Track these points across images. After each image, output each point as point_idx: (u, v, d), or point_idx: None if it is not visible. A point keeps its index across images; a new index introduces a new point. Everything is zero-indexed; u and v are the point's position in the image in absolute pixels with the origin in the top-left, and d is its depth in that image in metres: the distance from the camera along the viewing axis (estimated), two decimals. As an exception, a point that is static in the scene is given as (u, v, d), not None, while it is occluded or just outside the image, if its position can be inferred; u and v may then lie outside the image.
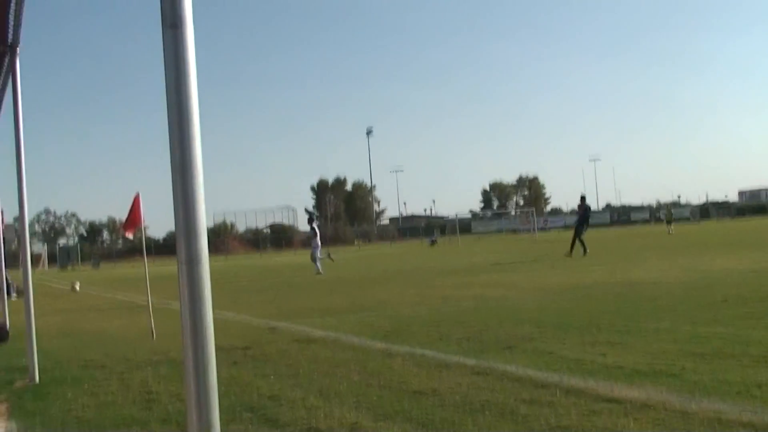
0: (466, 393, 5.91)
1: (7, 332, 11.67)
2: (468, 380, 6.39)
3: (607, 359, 6.88)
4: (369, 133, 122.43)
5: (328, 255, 34.42)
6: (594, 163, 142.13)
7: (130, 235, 11.88)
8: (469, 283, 17.60)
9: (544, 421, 4.98)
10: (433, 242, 70.87)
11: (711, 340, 7.54)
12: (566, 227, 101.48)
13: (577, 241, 26.99)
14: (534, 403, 5.44)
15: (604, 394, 5.56)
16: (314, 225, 29.37)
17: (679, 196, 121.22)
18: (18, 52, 7.84)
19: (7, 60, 8.05)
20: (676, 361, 6.56)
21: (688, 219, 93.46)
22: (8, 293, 18.68)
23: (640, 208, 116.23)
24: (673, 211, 65.49)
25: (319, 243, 28.83)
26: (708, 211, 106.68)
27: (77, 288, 27.00)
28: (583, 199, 28.65)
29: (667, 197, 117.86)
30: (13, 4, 6.64)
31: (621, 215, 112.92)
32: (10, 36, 7.49)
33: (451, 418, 5.20)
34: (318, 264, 27.92)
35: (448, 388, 6.14)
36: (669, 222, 56.12)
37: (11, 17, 6.98)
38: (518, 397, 5.64)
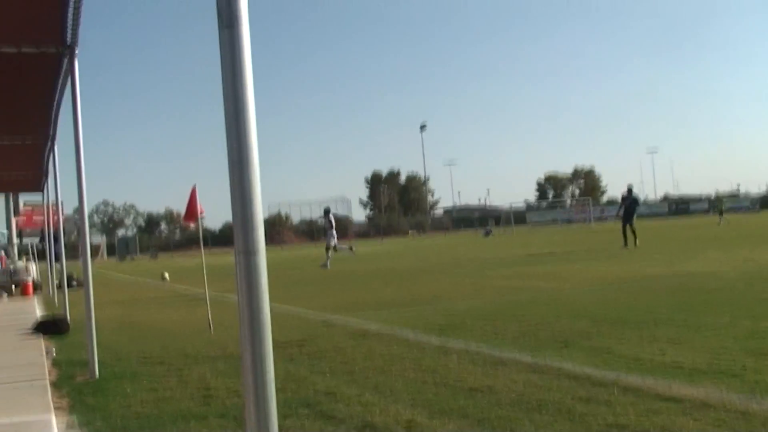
0: (522, 391, 5.88)
1: (67, 324, 11.90)
2: (524, 377, 6.35)
3: (666, 357, 6.79)
4: (423, 128, 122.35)
5: (350, 248, 34.29)
6: (651, 155, 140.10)
7: (192, 224, 12.04)
8: (524, 275, 17.50)
9: (602, 420, 4.94)
10: (488, 233, 70.54)
11: (772, 337, 7.41)
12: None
13: (628, 231, 26.79)
14: (591, 402, 5.39)
15: (663, 392, 5.49)
16: (330, 217, 29.77)
17: (738, 186, 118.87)
18: (77, 52, 7.97)
19: (66, 61, 8.19)
20: (737, 359, 6.46)
21: (747, 209, 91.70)
22: (69, 284, 19.04)
23: (698, 199, 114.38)
24: (725, 200, 64.38)
25: (335, 234, 29.06)
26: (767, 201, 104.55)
27: (167, 278, 27.10)
28: (629, 190, 28.12)
29: (725, 188, 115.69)
30: (71, 6, 6.75)
31: (679, 206, 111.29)
32: (68, 37, 7.62)
33: (507, 416, 5.18)
34: (329, 255, 28.24)
35: (503, 385, 6.11)
36: (721, 213, 54.91)
37: (69, 18, 7.09)
38: (575, 396, 5.60)
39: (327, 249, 28.77)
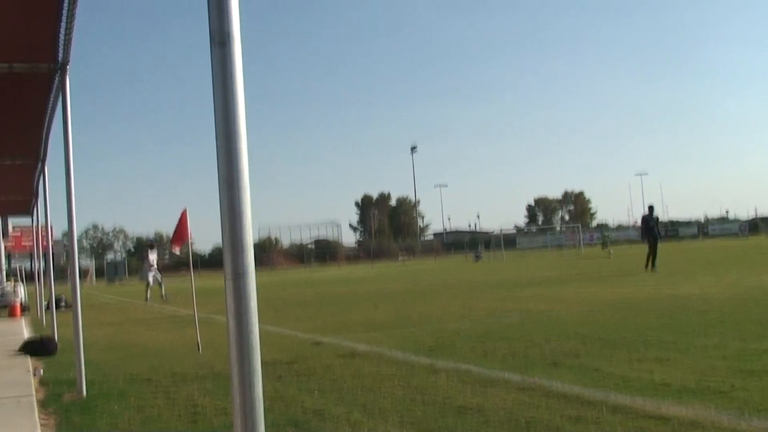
0: (511, 409, 5.87)
1: (55, 345, 11.83)
2: (513, 397, 6.34)
3: (655, 376, 6.79)
4: (413, 150, 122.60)
5: (163, 296, 28.44)
6: (641, 178, 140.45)
7: (177, 250, 12.01)
8: (514, 298, 17.49)
9: (591, 439, 4.93)
10: (478, 257, 70.47)
11: (761, 357, 7.42)
12: (612, 242, 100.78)
13: (651, 253, 26.06)
14: (580, 421, 5.38)
15: (652, 411, 5.48)
16: (150, 252, 29.67)
17: (727, 211, 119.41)
18: (68, 70, 7.98)
19: (57, 78, 8.19)
20: (726, 379, 6.46)
21: (736, 234, 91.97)
22: (57, 306, 18.94)
23: (687, 223, 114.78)
24: (607, 234, 58.01)
25: (154, 267, 28.56)
26: (757, 225, 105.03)
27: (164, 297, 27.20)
28: (651, 208, 27.53)
29: (715, 211, 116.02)
30: (63, 23, 6.76)
31: (669, 230, 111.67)
32: (60, 54, 7.63)
33: (496, 435, 5.17)
34: (149, 292, 27.95)
35: (492, 404, 6.10)
36: (605, 245, 50.26)
37: (62, 36, 7.11)
38: (564, 415, 5.58)
39: (148, 286, 28.35)
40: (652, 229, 26.83)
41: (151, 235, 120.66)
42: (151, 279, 28.37)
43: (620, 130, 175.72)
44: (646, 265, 26.06)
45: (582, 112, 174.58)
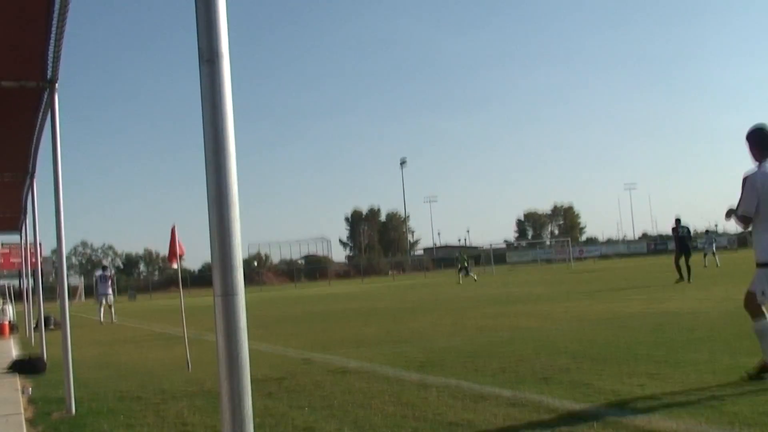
0: (502, 424, 5.86)
1: (44, 363, 11.78)
2: (504, 412, 6.33)
3: (645, 391, 6.80)
4: (403, 163, 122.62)
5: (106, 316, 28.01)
6: (629, 192, 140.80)
7: (175, 265, 12.00)
8: (504, 314, 17.48)
9: (581, 454, 4.92)
10: (467, 274, 70.26)
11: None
12: (602, 256, 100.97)
13: (685, 265, 25.42)
14: (571, 436, 5.38)
15: (642, 426, 5.49)
16: (104, 273, 29.33)
17: (716, 225, 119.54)
18: (57, 88, 7.98)
19: (46, 95, 8.19)
20: (716, 393, 6.47)
21: (725, 247, 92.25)
22: (46, 325, 18.86)
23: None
24: (466, 256, 52.40)
25: (109, 291, 28.25)
26: (746, 239, 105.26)
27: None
28: (678, 221, 26.92)
29: (703, 225, 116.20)
30: (52, 41, 6.76)
31: (658, 244, 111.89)
32: (49, 72, 7.63)
33: (487, 451, 5.16)
34: (101, 311, 27.73)
35: (483, 419, 6.09)
36: (461, 269, 47.58)
37: (50, 53, 7.11)
38: (555, 429, 5.58)
39: (101, 306, 28.09)
40: (683, 240, 26.41)
41: (141, 252, 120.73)
42: (105, 300, 28.26)
43: (609, 143, 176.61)
44: (682, 277, 25.39)
45: (571, 125, 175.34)
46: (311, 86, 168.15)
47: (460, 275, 47.49)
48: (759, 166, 7.14)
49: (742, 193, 7.10)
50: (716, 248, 26.87)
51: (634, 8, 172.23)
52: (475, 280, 45.70)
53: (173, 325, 20.25)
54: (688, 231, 27.21)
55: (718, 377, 7.25)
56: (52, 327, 22.29)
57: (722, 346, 9.44)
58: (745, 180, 7.13)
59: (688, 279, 25.24)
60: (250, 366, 2.66)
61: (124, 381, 9.98)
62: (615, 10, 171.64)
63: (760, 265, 7.32)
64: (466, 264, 48.62)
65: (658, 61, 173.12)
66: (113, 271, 30.20)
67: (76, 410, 7.76)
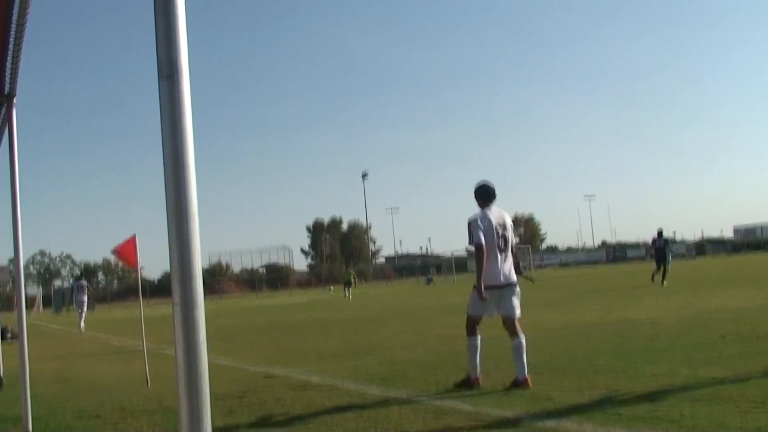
0: (463, 441, 5.88)
1: (0, 379, 11.59)
2: (465, 425, 6.35)
3: (605, 405, 6.85)
4: (365, 176, 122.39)
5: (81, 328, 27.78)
6: (589, 201, 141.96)
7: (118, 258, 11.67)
8: (465, 324, 17.47)
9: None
10: (429, 281, 70.77)
11: (709, 383, 7.52)
12: (562, 264, 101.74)
13: (661, 270, 28.36)
14: (532, 451, 5.40)
15: (603, 440, 5.53)
16: (82, 281, 29.85)
17: (674, 233, 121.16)
18: (15, 102, 7.89)
19: (3, 109, 8.09)
20: (675, 406, 6.53)
21: (683, 256, 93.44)
22: (3, 337, 18.59)
23: (635, 246, 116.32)
24: (352, 271, 53.90)
25: (85, 299, 28.69)
26: (704, 247, 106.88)
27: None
28: (659, 233, 29.23)
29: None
30: (10, 54, 6.68)
31: (617, 252, 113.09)
32: (6, 86, 7.54)
33: (449, 468, 5.17)
34: (82, 323, 27.86)
35: (445, 435, 6.10)
36: (348, 284, 48.51)
37: (8, 67, 7.02)
38: (516, 445, 5.61)
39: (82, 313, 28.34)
40: (661, 251, 28.80)
41: (100, 261, 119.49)
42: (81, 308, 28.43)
43: (569, 155, 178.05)
44: (653, 278, 28.83)
45: (531, 137, 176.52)
46: (273, 99, 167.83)
47: (346, 291, 48.69)
48: (482, 211, 8.89)
49: (469, 230, 8.79)
50: (672, 257, 28.94)
51: (596, 24, 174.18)
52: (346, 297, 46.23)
53: (133, 337, 20.04)
54: (666, 242, 29.51)
55: (677, 389, 7.33)
56: (9, 338, 21.95)
57: (681, 356, 9.54)
58: (470, 223, 8.78)
59: (662, 282, 27.79)
60: (210, 381, 2.63)
61: (83, 397, 9.86)
62: (576, 27, 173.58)
63: (487, 288, 9.31)
64: (352, 280, 51.13)
65: (619, 76, 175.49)
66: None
67: (32, 428, 7.65)
